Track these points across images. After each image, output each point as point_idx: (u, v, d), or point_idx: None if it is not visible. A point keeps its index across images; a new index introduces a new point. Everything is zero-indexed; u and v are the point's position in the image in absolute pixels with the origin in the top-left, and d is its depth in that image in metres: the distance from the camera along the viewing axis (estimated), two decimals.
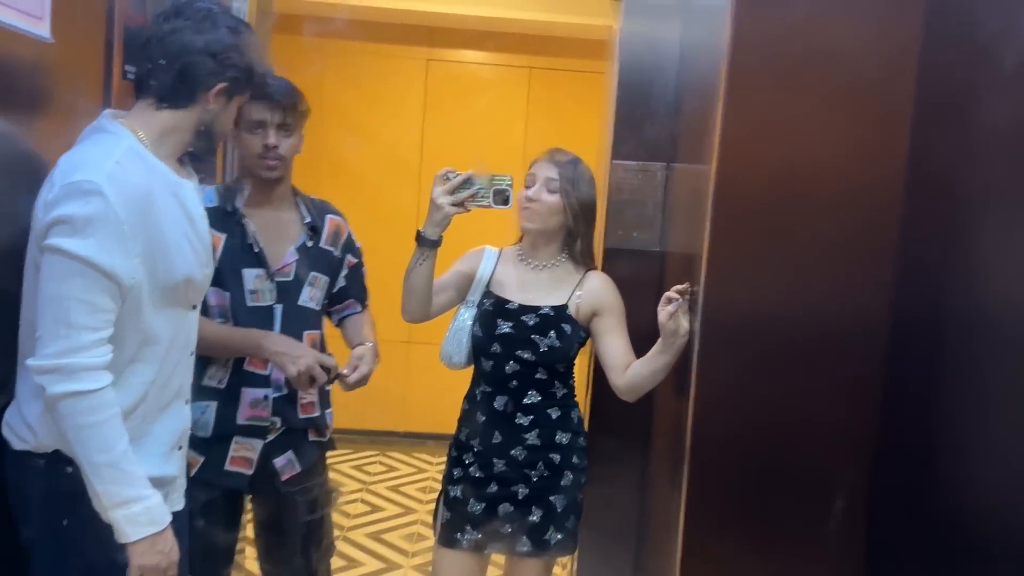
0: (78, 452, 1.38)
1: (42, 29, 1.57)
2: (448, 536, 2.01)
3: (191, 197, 1.56)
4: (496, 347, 1.96)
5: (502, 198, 1.83)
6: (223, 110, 1.56)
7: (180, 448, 1.63)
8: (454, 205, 1.82)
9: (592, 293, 1.98)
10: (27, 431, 1.44)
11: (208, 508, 1.87)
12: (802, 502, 1.53)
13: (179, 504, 1.64)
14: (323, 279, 2.04)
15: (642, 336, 2.19)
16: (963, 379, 1.28)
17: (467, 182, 1.82)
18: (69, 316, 1.34)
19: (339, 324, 2.17)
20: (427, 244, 1.87)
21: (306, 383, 1.87)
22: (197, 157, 1.66)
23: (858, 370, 1.49)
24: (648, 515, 2.24)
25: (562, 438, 1.97)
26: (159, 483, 1.53)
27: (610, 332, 1.96)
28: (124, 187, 1.38)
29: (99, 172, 1.37)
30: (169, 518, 1.47)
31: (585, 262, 2.03)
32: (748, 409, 1.53)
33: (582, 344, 2.01)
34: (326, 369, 1.88)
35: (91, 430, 1.37)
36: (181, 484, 1.64)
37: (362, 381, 1.96)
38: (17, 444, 1.46)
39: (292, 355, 1.86)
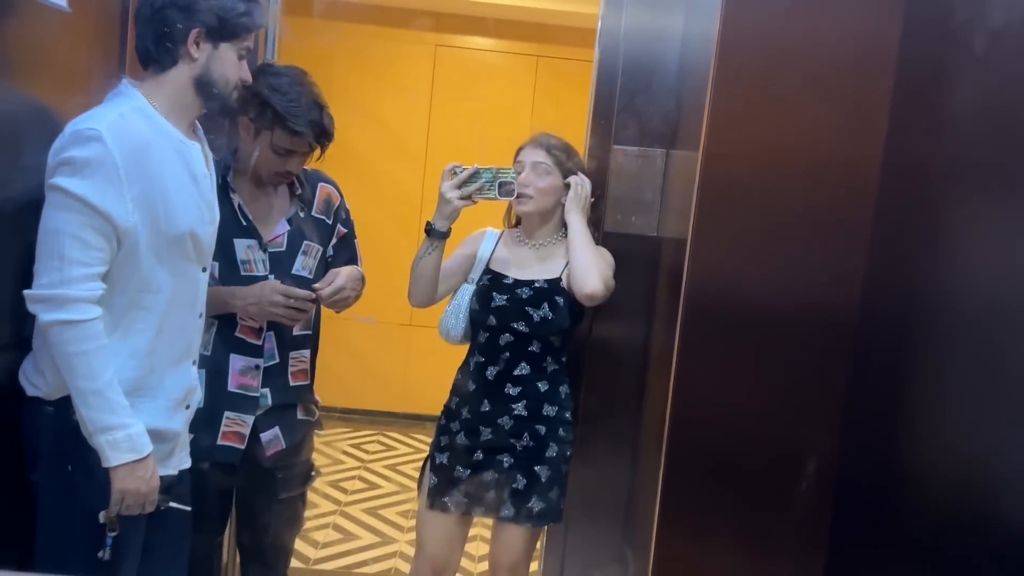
0: (67, 379, 1.46)
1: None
2: (434, 500, 2.09)
3: (196, 157, 1.61)
4: (491, 319, 2.05)
5: (507, 190, 1.93)
6: (212, 59, 1.59)
7: (188, 407, 1.69)
8: (462, 199, 1.92)
9: None
10: (39, 378, 1.53)
11: (201, 480, 1.86)
12: (773, 476, 1.58)
13: (186, 463, 1.70)
14: (316, 248, 2.07)
15: (638, 317, 2.25)
16: (929, 359, 1.33)
17: (473, 176, 1.92)
18: (63, 250, 1.43)
19: None
20: (436, 235, 1.98)
21: (292, 316, 1.92)
22: (217, 117, 1.72)
23: (829, 349, 1.54)
24: (635, 491, 2.29)
25: (549, 410, 2.05)
26: (163, 437, 1.60)
27: None
28: (123, 135, 1.47)
29: (101, 122, 1.47)
30: (149, 448, 1.52)
31: None
32: (725, 386, 1.58)
33: (577, 319, 2.08)
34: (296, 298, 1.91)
35: (78, 358, 1.45)
36: (185, 442, 1.71)
37: (339, 294, 1.98)
38: (30, 391, 1.55)
39: (261, 301, 1.89)
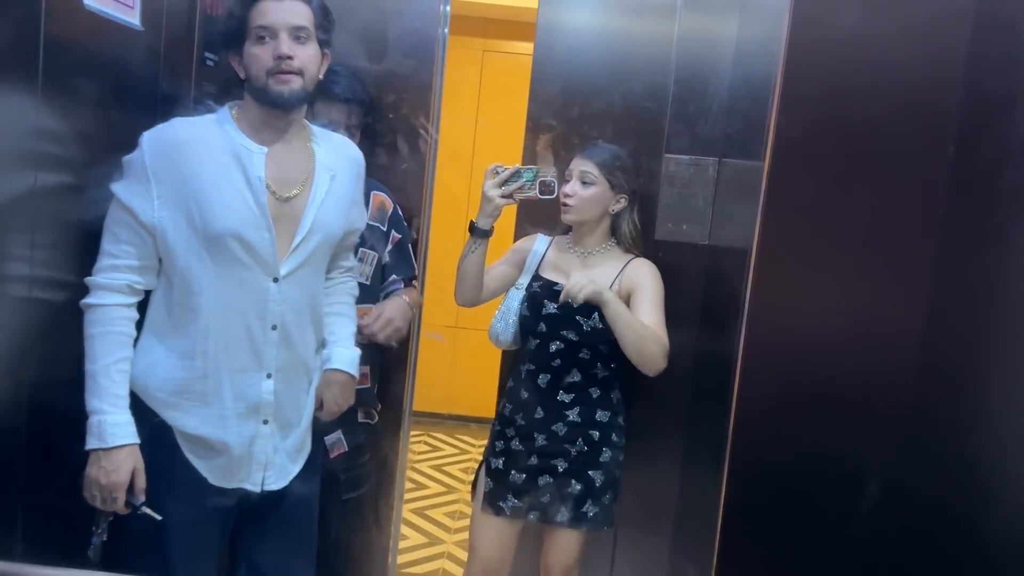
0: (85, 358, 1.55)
1: (133, 17, 1.68)
2: (489, 504, 2.13)
3: (255, 162, 1.59)
4: (542, 326, 2.07)
5: (548, 189, 1.95)
6: (246, 65, 1.61)
7: (265, 422, 1.65)
8: (503, 197, 1.95)
9: (631, 274, 2.07)
10: None
11: None
12: (839, 491, 1.58)
13: (272, 483, 1.67)
14: (372, 255, 2.12)
15: (689, 324, 2.26)
16: (990, 383, 1.32)
17: (515, 175, 1.95)
18: (103, 242, 1.58)
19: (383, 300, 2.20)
20: (479, 234, 2.01)
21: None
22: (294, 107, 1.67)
23: (893, 365, 1.54)
24: (686, 496, 2.30)
25: (602, 416, 2.07)
26: (212, 447, 1.61)
27: (639, 309, 2.01)
28: (159, 141, 1.56)
29: (149, 131, 1.57)
30: (120, 442, 1.52)
31: (634, 248, 2.12)
32: (788, 400, 1.59)
33: None
34: None
35: (91, 340, 1.55)
36: (262, 461, 1.66)
37: (389, 326, 2.01)
38: None
39: None
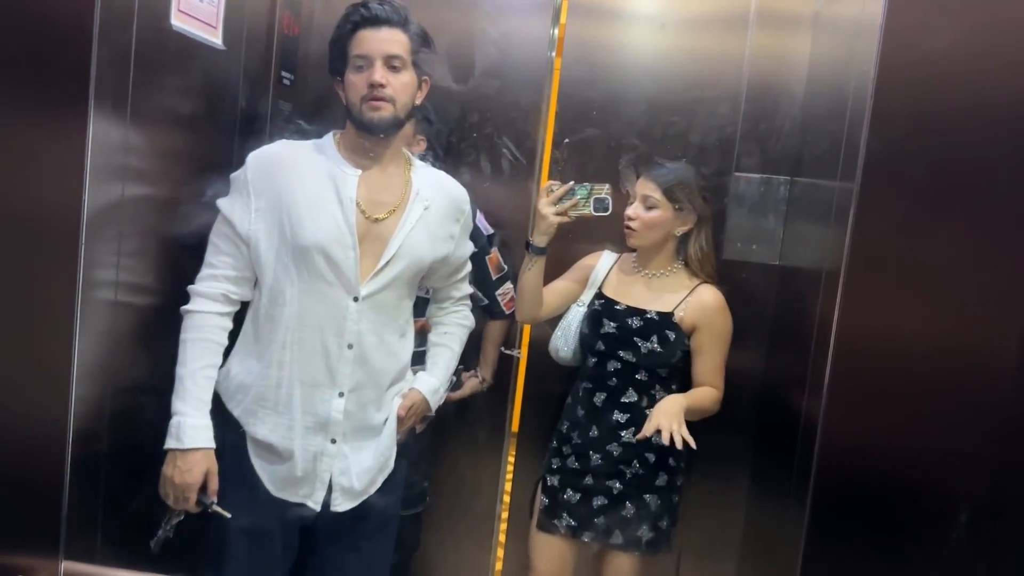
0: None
1: (216, 37, 1.74)
2: (545, 521, 2.11)
3: (348, 183, 1.64)
4: (600, 345, 2.05)
5: (602, 206, 1.92)
6: (346, 91, 1.65)
7: (324, 438, 1.66)
8: (557, 214, 1.93)
9: (697, 306, 2.01)
10: None
11: None
12: (930, 520, 1.52)
13: (339, 504, 1.68)
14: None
15: (756, 345, 2.22)
16: None
17: (569, 193, 1.93)
18: (207, 254, 1.67)
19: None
20: (535, 251, 1.99)
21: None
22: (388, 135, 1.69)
23: (985, 396, 1.48)
24: (753, 523, 2.25)
25: (658, 438, 1.96)
26: (278, 454, 1.65)
27: (701, 351, 2.01)
28: (261, 159, 1.65)
29: (255, 151, 1.67)
30: (196, 444, 1.58)
31: (701, 271, 2.06)
32: (878, 427, 1.54)
33: (686, 354, 2.04)
34: None
35: (184, 344, 1.64)
36: (325, 480, 1.67)
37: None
38: None
39: None
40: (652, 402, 2.01)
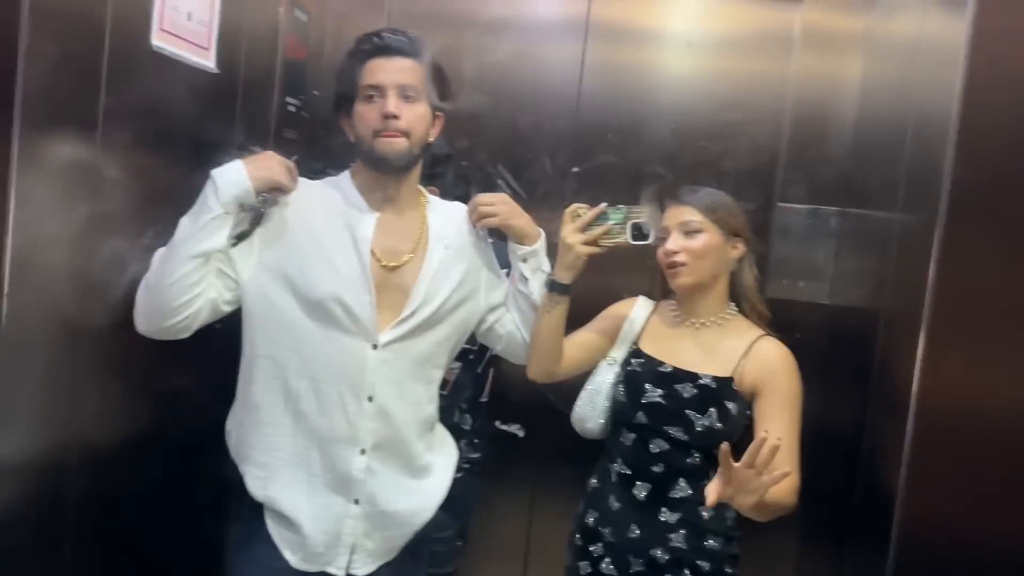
0: (158, 274, 1.43)
1: (207, 59, 1.61)
2: None
3: (365, 223, 1.54)
4: (641, 417, 1.63)
5: (640, 233, 1.57)
6: (354, 126, 1.54)
7: (346, 499, 1.53)
8: (586, 244, 1.58)
9: (759, 364, 1.60)
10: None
11: None
12: None
13: (358, 568, 1.56)
14: None
15: (806, 396, 2.00)
16: None
17: (601, 217, 1.58)
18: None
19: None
20: (558, 289, 1.61)
21: None
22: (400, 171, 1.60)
23: None
24: None
25: (713, 543, 1.61)
26: (296, 519, 1.51)
27: (768, 418, 1.56)
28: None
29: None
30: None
31: (758, 318, 1.67)
32: (971, 491, 1.34)
33: (749, 427, 1.61)
34: None
35: (159, 256, 1.46)
36: (349, 544, 1.55)
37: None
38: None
39: None
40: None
